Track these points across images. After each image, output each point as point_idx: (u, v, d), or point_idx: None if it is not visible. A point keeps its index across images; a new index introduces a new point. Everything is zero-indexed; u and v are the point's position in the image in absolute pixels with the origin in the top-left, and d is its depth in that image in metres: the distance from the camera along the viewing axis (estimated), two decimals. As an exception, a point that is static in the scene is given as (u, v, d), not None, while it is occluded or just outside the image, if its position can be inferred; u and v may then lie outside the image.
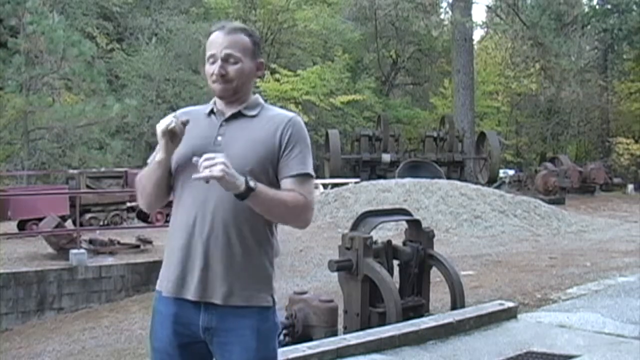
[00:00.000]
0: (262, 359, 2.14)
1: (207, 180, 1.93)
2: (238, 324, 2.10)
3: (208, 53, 2.16)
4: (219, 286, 2.09)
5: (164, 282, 2.18)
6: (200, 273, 2.09)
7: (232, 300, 2.10)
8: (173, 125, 2.04)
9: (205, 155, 1.94)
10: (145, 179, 2.16)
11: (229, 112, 2.18)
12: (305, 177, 2.14)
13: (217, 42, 2.16)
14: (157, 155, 2.11)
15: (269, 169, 2.12)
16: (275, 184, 2.11)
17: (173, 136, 2.05)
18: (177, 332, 2.14)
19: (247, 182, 1.96)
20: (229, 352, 2.11)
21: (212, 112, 2.21)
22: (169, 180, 2.16)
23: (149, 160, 2.21)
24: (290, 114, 2.22)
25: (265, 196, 2.01)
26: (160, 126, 2.06)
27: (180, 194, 2.15)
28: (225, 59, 2.13)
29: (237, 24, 2.24)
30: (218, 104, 2.22)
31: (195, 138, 2.12)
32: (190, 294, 2.10)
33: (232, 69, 2.14)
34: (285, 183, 2.11)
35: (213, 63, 2.15)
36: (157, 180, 2.13)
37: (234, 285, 2.10)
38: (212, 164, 1.91)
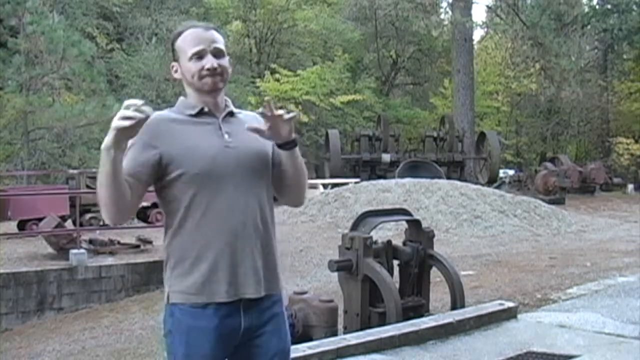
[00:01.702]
0: (289, 346, 2.23)
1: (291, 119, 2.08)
2: (270, 313, 2.15)
3: (191, 50, 2.10)
4: (268, 279, 2.14)
5: (215, 288, 2.06)
6: (253, 272, 2.10)
7: (273, 289, 2.16)
8: (135, 122, 1.85)
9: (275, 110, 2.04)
10: (104, 179, 1.92)
11: (220, 112, 2.17)
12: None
13: (201, 38, 2.13)
14: (112, 152, 1.87)
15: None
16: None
17: (133, 132, 1.88)
18: (223, 341, 2.08)
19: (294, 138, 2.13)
20: (267, 342, 2.14)
21: (200, 112, 2.14)
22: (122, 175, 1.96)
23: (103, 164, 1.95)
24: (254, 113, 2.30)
25: (299, 155, 2.16)
26: (124, 122, 1.84)
27: (200, 201, 2.05)
28: (215, 54, 2.12)
29: (205, 23, 2.24)
30: (202, 104, 2.14)
31: (202, 140, 2.07)
32: (251, 293, 2.09)
33: (222, 62, 2.13)
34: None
35: (200, 58, 2.11)
36: (119, 181, 1.93)
37: (273, 273, 2.17)
38: (286, 118, 2.05)
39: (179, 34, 2.16)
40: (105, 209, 1.97)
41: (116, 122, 1.86)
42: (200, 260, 2.06)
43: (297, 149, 2.14)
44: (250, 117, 2.23)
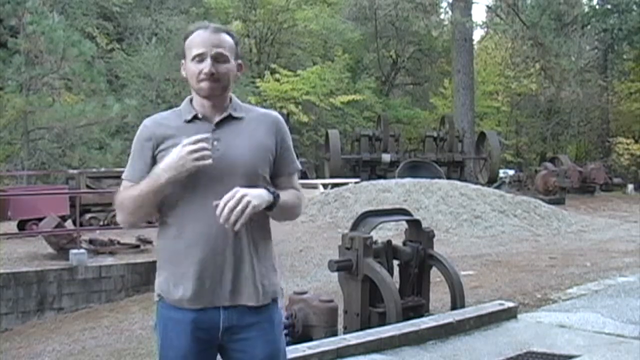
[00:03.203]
0: (281, 349, 2.21)
1: (236, 227, 1.98)
2: (257, 318, 2.14)
3: (194, 52, 2.11)
4: (249, 288, 2.12)
5: (181, 294, 2.10)
6: (232, 279, 2.09)
7: (263, 300, 2.14)
8: (205, 159, 1.98)
9: (224, 200, 1.95)
10: (141, 200, 2.05)
11: (217, 116, 2.14)
12: (297, 172, 2.26)
13: (205, 40, 2.12)
14: (167, 175, 2.00)
15: (268, 169, 2.16)
16: (269, 182, 2.16)
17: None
18: (198, 338, 2.11)
19: (273, 193, 2.05)
20: (252, 346, 2.13)
21: (195, 117, 2.14)
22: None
23: (130, 177, 2.13)
24: (273, 112, 2.26)
25: (284, 202, 2.10)
26: (192, 156, 1.97)
27: (188, 205, 2.08)
28: (216, 58, 2.11)
29: (218, 25, 2.22)
30: (201, 108, 2.15)
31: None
32: (224, 301, 2.10)
33: (221, 68, 2.11)
34: (282, 181, 2.19)
35: (201, 61, 2.10)
36: (155, 201, 2.07)
37: (258, 281, 2.14)
38: (237, 203, 1.95)
39: (190, 33, 2.17)
40: (128, 218, 2.11)
41: (191, 163, 1.97)
42: (174, 265, 2.12)
43: (279, 205, 2.07)
44: (258, 119, 2.19)
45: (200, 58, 2.11)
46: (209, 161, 1.97)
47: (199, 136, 1.99)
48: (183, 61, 2.18)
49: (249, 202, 1.95)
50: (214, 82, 2.10)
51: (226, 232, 2.04)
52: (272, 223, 2.25)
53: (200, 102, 2.15)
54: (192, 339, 2.10)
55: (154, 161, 2.11)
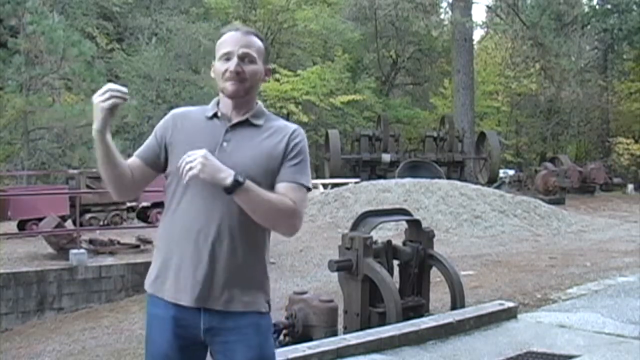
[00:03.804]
0: (264, 355, 2.16)
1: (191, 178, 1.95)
2: (239, 323, 2.11)
3: (222, 51, 2.13)
4: (220, 293, 2.09)
5: (161, 285, 2.15)
6: (203, 280, 2.07)
7: (232, 307, 2.10)
8: (114, 100, 2.00)
9: (186, 155, 1.95)
10: (99, 160, 2.09)
11: (235, 118, 2.14)
12: (300, 186, 2.11)
13: (234, 40, 2.14)
14: (95, 129, 2.02)
15: (271, 180, 2.11)
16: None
17: (114, 109, 2.01)
18: (178, 334, 2.12)
19: (235, 176, 1.96)
20: (232, 350, 2.11)
21: (215, 115, 2.16)
22: (118, 156, 2.10)
23: (136, 153, 2.21)
24: (295, 126, 2.21)
25: (253, 194, 1.99)
26: (102, 102, 1.99)
27: (180, 199, 2.11)
28: (242, 58, 2.12)
29: (251, 28, 2.24)
30: (223, 107, 2.16)
31: (199, 142, 2.06)
32: (190, 301, 2.08)
33: (248, 68, 2.12)
34: (279, 187, 2.09)
35: (228, 60, 2.12)
36: (106, 159, 2.06)
37: (235, 292, 2.10)
38: (192, 161, 1.93)
39: (221, 34, 2.19)
40: (108, 186, 2.15)
41: (100, 104, 1.99)
42: (161, 255, 2.17)
43: (243, 192, 1.97)
44: (276, 130, 2.15)
45: (227, 57, 2.12)
46: (118, 101, 1.99)
47: (110, 85, 2.03)
48: (213, 62, 2.20)
49: (195, 168, 1.93)
50: (240, 82, 2.11)
51: (208, 233, 2.05)
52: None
53: (225, 102, 2.17)
54: (173, 335, 2.13)
55: (164, 147, 2.17)
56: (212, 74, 2.20)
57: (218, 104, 2.19)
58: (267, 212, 2.04)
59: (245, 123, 2.14)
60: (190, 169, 1.93)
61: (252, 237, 2.11)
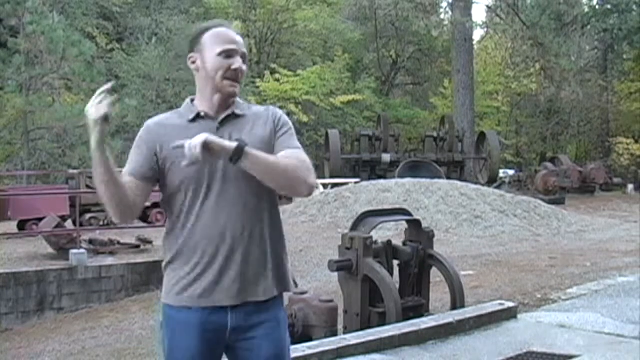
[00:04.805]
0: (287, 347, 2.22)
1: (196, 160, 1.91)
2: (263, 317, 2.14)
3: (224, 47, 2.11)
4: (257, 285, 2.12)
5: (187, 295, 2.10)
6: (240, 278, 2.09)
7: (269, 293, 2.14)
8: (106, 110, 1.94)
9: (188, 142, 1.91)
10: (97, 180, 2.00)
11: (221, 114, 2.14)
12: (298, 149, 2.13)
13: (235, 39, 2.14)
14: (95, 144, 1.96)
15: None
16: None
17: (107, 119, 1.95)
18: (206, 339, 2.11)
19: (238, 143, 1.95)
20: (259, 346, 2.13)
21: (198, 116, 2.13)
22: (118, 173, 2.03)
23: (125, 170, 2.11)
24: (271, 107, 2.26)
25: (260, 157, 1.99)
26: (95, 114, 1.94)
27: (192, 205, 2.08)
28: (243, 57, 2.14)
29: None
30: (205, 106, 2.14)
31: None
32: (230, 300, 2.09)
33: (244, 68, 2.15)
34: (280, 155, 2.10)
35: (229, 57, 2.11)
36: (106, 177, 1.99)
37: (270, 279, 2.14)
38: (195, 144, 1.90)
39: (208, 28, 2.17)
40: (108, 208, 2.05)
41: (94, 115, 1.94)
42: (184, 264, 2.10)
43: (250, 158, 1.96)
44: (257, 115, 2.19)
45: (228, 54, 2.11)
46: (109, 110, 1.94)
47: (98, 91, 1.98)
48: (195, 55, 2.16)
49: (202, 140, 1.90)
50: (237, 82, 2.13)
51: (235, 229, 2.06)
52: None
53: (210, 98, 2.14)
54: (201, 340, 2.10)
55: (157, 161, 2.10)
56: (192, 66, 2.17)
57: (192, 103, 2.18)
58: (280, 171, 2.03)
59: (232, 116, 2.15)
60: (195, 147, 1.90)
61: (273, 219, 2.16)
